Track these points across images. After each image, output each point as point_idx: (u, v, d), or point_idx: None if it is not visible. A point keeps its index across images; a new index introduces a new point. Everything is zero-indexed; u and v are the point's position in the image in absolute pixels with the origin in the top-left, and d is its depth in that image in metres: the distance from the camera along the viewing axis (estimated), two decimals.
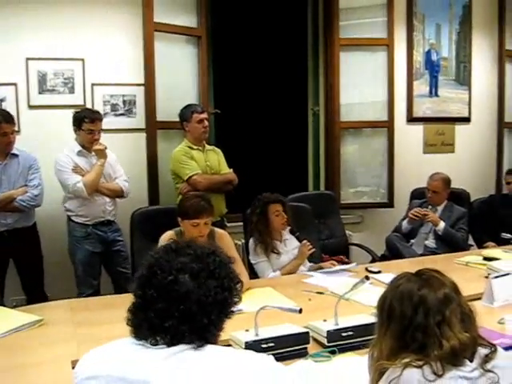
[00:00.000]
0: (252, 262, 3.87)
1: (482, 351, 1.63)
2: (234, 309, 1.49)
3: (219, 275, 1.43)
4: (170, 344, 1.36)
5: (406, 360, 1.58)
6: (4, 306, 3.25)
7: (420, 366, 1.56)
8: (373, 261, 4.63)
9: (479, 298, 2.96)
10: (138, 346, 1.39)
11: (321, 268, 3.85)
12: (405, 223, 4.76)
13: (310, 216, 4.52)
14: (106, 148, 4.08)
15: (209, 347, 1.39)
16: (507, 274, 3.08)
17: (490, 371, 1.59)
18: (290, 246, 3.97)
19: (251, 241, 3.89)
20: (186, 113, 4.36)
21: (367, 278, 2.65)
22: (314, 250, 3.91)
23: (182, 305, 1.37)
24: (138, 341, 1.40)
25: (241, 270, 3.37)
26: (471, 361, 1.60)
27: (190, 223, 3.24)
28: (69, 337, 2.55)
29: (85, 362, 1.43)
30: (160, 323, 1.37)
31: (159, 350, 1.36)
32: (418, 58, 5.83)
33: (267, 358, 1.41)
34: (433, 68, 5.91)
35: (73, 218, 4.12)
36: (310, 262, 3.95)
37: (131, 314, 1.43)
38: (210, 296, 1.39)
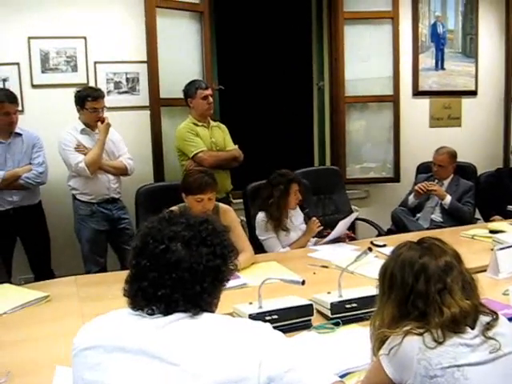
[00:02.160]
0: (260, 237, 3.85)
1: (484, 319, 1.64)
2: (229, 276, 1.49)
3: (211, 242, 1.43)
4: (166, 313, 1.36)
5: (407, 328, 1.58)
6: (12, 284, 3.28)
7: (421, 334, 1.57)
8: (379, 235, 4.61)
9: (485, 270, 2.97)
10: (135, 316, 1.39)
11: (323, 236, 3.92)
12: (411, 198, 4.74)
13: (309, 192, 4.50)
14: (109, 126, 4.08)
15: (205, 315, 1.39)
16: None
17: (491, 338, 1.59)
18: (296, 221, 3.97)
19: (262, 216, 3.85)
20: (191, 89, 4.33)
21: (370, 249, 2.64)
22: (322, 227, 3.92)
23: (174, 273, 1.37)
24: (135, 311, 1.40)
25: (245, 244, 3.38)
26: (473, 328, 1.60)
27: (194, 199, 3.23)
28: (74, 312, 2.58)
29: (82, 334, 1.44)
30: (154, 292, 1.37)
31: (155, 319, 1.36)
32: (424, 30, 5.76)
33: (264, 325, 1.41)
34: (439, 41, 5.83)
35: (78, 197, 4.13)
36: (313, 237, 3.96)
37: (127, 285, 1.44)
38: (202, 263, 1.39)
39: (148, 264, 1.39)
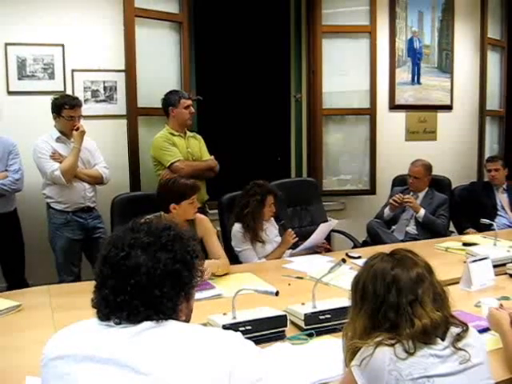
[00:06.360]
0: (237, 249, 3.83)
1: (454, 330, 1.65)
2: (193, 282, 1.47)
3: (172, 248, 1.42)
4: (129, 321, 1.36)
5: (379, 339, 1.59)
6: None
7: (392, 345, 1.57)
8: (354, 247, 4.64)
9: (458, 283, 2.99)
10: (104, 326, 1.38)
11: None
12: (386, 210, 4.78)
13: (283, 204, 4.51)
14: (84, 133, 4.04)
15: (173, 323, 1.38)
16: (484, 259, 3.11)
17: (461, 349, 1.61)
18: (270, 234, 3.97)
19: (238, 227, 3.83)
20: (173, 98, 4.32)
21: (344, 260, 2.65)
22: (297, 238, 3.93)
23: (132, 279, 1.36)
24: (102, 321, 1.39)
25: (220, 253, 3.39)
26: (443, 339, 1.62)
27: (188, 202, 3.27)
28: (46, 322, 2.54)
29: (51, 343, 1.42)
30: (114, 299, 1.36)
31: (124, 328, 1.35)
32: (401, 45, 5.84)
33: (235, 335, 1.41)
34: (415, 55, 5.93)
35: (52, 205, 4.09)
36: (288, 249, 3.96)
37: (94, 295, 1.43)
38: (159, 268, 1.38)
39: (109, 272, 1.39)
